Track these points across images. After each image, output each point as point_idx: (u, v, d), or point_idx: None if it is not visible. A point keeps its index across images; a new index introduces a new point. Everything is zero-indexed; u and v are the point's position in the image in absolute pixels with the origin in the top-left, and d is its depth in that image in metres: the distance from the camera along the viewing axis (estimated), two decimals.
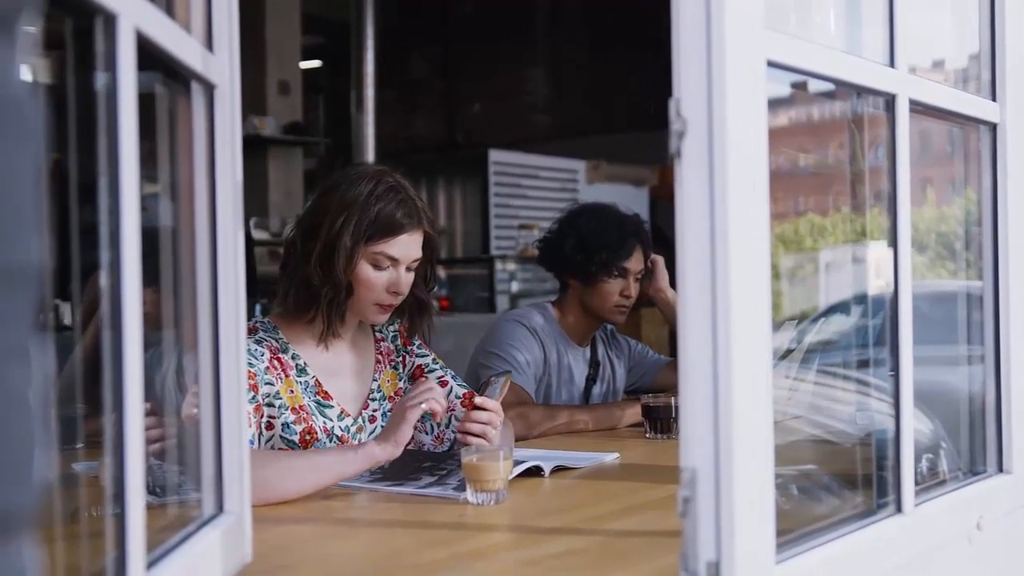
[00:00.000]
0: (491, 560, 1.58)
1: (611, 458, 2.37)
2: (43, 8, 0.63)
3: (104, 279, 1.04)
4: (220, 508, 1.39)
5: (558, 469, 2.20)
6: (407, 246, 2.23)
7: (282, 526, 1.77)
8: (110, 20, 1.01)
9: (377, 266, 2.21)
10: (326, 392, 2.26)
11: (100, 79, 1.03)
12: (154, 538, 1.15)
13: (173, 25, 1.20)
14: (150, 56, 1.12)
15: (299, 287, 2.22)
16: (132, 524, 1.03)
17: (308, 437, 2.19)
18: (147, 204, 1.12)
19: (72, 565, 1.17)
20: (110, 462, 1.04)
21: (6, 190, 0.54)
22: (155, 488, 1.35)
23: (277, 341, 2.24)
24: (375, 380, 2.37)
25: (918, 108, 1.59)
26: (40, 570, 0.59)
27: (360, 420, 2.31)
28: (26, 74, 0.57)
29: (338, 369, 2.31)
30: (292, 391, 2.21)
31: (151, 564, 1.11)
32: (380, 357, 2.40)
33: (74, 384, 1.80)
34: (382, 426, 2.32)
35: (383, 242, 2.20)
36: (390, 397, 2.38)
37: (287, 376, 2.21)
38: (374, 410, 2.35)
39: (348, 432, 2.27)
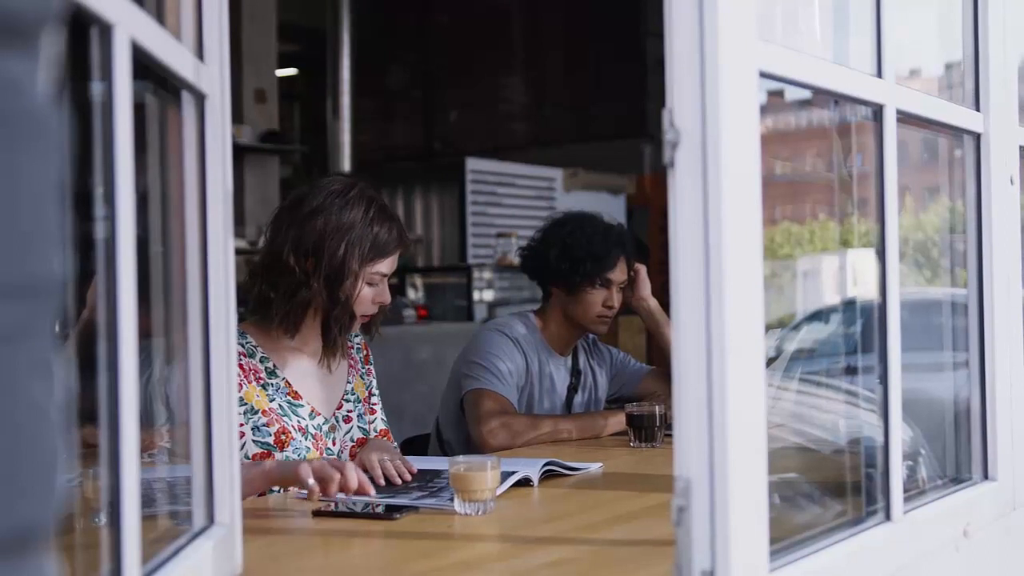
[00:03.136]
0: (482, 571, 1.58)
1: (596, 467, 2.37)
2: (65, 18, 0.63)
3: (98, 289, 1.03)
4: (211, 520, 1.38)
5: (547, 475, 2.20)
6: (395, 262, 2.36)
7: (272, 537, 1.76)
8: (106, 30, 1.00)
9: (370, 284, 2.32)
10: (296, 392, 2.32)
11: (95, 88, 1.02)
12: (145, 550, 1.14)
13: (167, 35, 1.20)
14: (142, 65, 1.12)
15: (300, 308, 2.28)
16: (127, 536, 1.02)
17: (283, 437, 2.25)
18: (136, 213, 1.11)
19: None
20: (105, 474, 1.03)
21: (31, 203, 0.54)
22: (143, 498, 1.34)
23: (243, 346, 2.28)
24: (349, 383, 2.45)
25: (904, 118, 1.60)
26: None
27: (333, 420, 2.38)
28: (48, 86, 0.56)
29: (311, 372, 2.37)
30: (259, 395, 2.26)
31: None
32: (352, 362, 2.49)
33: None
34: (358, 426, 2.42)
35: (381, 262, 2.32)
36: (363, 400, 2.47)
37: (250, 382, 2.26)
38: (348, 411, 2.43)
39: (321, 431, 2.34)
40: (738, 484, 1.17)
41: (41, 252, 0.55)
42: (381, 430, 2.48)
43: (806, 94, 1.58)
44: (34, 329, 0.54)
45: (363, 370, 2.51)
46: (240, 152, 7.34)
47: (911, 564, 1.58)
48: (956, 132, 1.86)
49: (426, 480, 2.16)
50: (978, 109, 1.85)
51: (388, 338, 2.62)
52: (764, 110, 1.52)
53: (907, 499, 1.58)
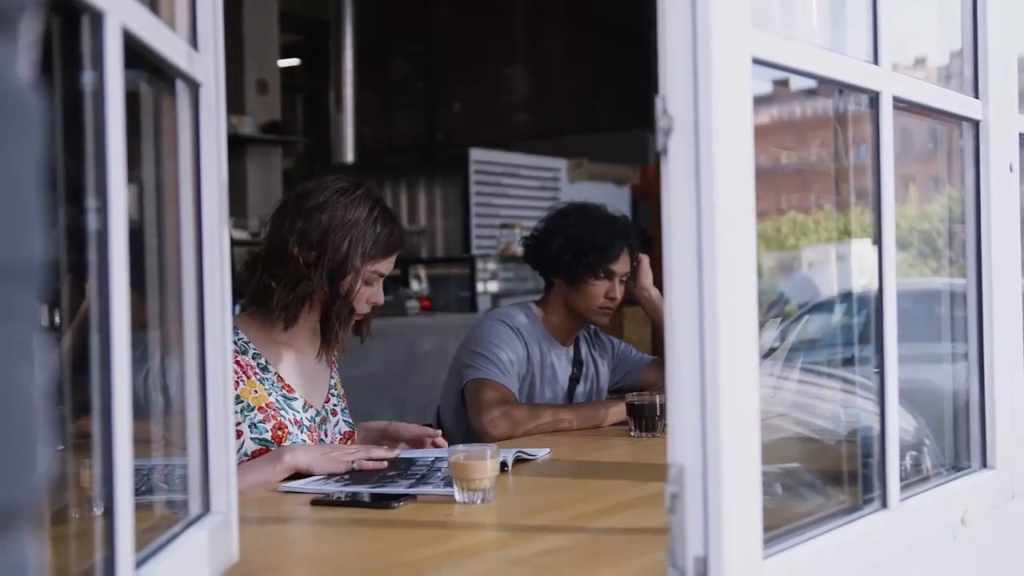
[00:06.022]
0: (479, 558, 1.58)
1: (542, 454, 2.40)
2: (44, 6, 0.63)
3: (90, 280, 1.03)
4: (207, 508, 1.38)
5: (519, 461, 2.26)
6: (392, 263, 2.40)
7: (268, 526, 1.76)
8: (97, 18, 1.00)
9: (367, 282, 2.35)
10: (289, 386, 2.35)
11: (86, 77, 1.02)
12: (140, 538, 1.14)
13: (159, 23, 1.20)
14: (135, 54, 1.12)
15: (299, 300, 2.30)
16: (121, 524, 1.02)
17: (280, 432, 2.28)
18: (130, 204, 1.11)
19: (59, 566, 1.16)
20: (98, 464, 1.03)
21: (12, 187, 0.54)
22: (139, 487, 1.34)
23: (236, 343, 2.29)
24: (332, 378, 2.50)
25: (901, 105, 1.60)
26: (41, 565, 0.59)
27: (324, 412, 2.42)
28: (27, 71, 0.57)
29: (299, 366, 2.40)
30: (256, 391, 2.29)
31: (139, 564, 1.11)
32: (334, 359, 2.52)
33: (56, 385, 1.80)
34: (344, 420, 2.47)
35: (381, 262, 2.35)
36: (342, 397, 2.52)
37: (249, 378, 2.29)
38: (334, 405, 2.47)
39: (314, 423, 2.37)
40: (731, 470, 1.17)
41: (21, 236, 0.55)
42: (345, 432, 2.49)
43: (811, 83, 1.57)
44: (15, 311, 0.55)
45: (339, 368, 2.56)
46: (242, 143, 7.34)
47: (908, 552, 1.59)
48: (955, 120, 1.85)
49: (404, 468, 2.16)
50: (977, 96, 1.84)
51: (391, 330, 2.65)
52: (769, 99, 1.52)
53: (905, 487, 1.58)
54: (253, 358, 2.31)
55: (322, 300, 2.32)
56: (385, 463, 2.17)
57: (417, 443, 2.45)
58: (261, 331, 2.35)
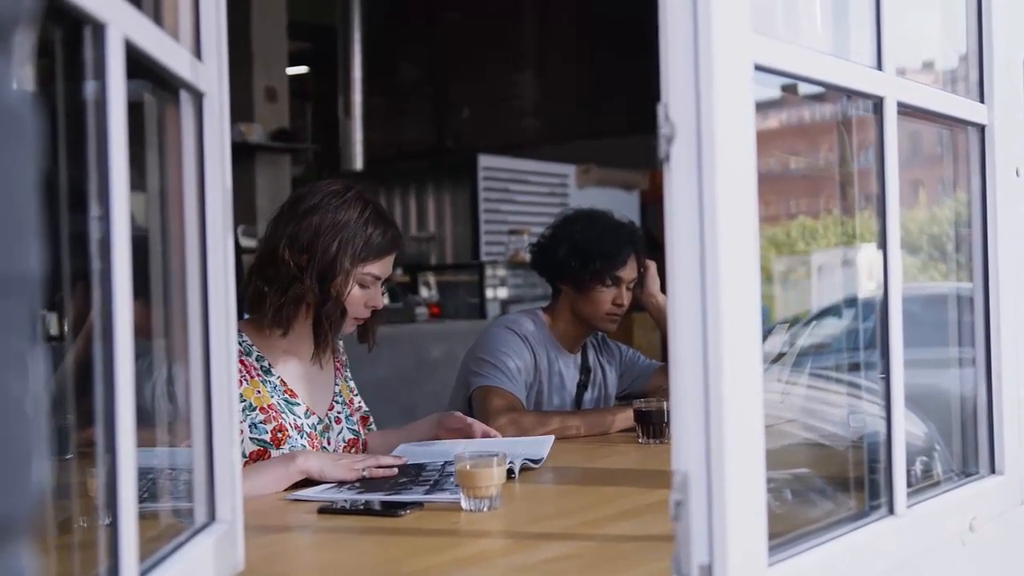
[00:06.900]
0: (486, 566, 1.58)
1: (547, 443, 2.43)
2: (39, 17, 0.63)
3: (94, 289, 1.03)
4: (212, 517, 1.38)
5: (525, 469, 2.25)
6: (389, 265, 2.38)
7: (274, 535, 1.76)
8: (99, 29, 1.01)
9: (362, 285, 2.34)
10: (292, 390, 2.35)
11: (89, 87, 1.03)
12: (146, 547, 1.14)
13: (162, 34, 1.20)
14: (138, 64, 1.12)
15: (292, 303, 2.30)
16: (125, 534, 1.03)
17: (280, 435, 2.28)
18: (135, 213, 1.12)
19: (64, 575, 1.16)
20: (102, 473, 1.03)
21: (7, 200, 0.54)
22: (144, 495, 1.35)
23: (240, 344, 2.30)
24: (336, 385, 2.49)
25: (906, 110, 1.59)
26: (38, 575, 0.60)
27: (327, 420, 2.42)
28: (23, 83, 0.57)
29: (303, 373, 2.40)
30: (259, 392, 2.29)
31: (144, 573, 1.11)
32: (338, 366, 2.53)
33: (64, 394, 1.81)
34: (348, 428, 2.47)
35: (373, 263, 2.34)
36: (348, 403, 2.51)
37: (252, 378, 2.30)
38: (338, 412, 2.47)
39: (315, 430, 2.37)
40: (735, 478, 1.17)
41: (17, 249, 0.55)
42: (350, 440, 2.49)
43: (820, 88, 1.57)
44: (9, 324, 0.55)
45: (346, 374, 2.56)
46: (251, 151, 7.33)
47: (915, 558, 1.58)
48: (960, 124, 1.85)
49: (415, 475, 2.16)
50: (983, 100, 1.84)
51: (400, 336, 2.65)
52: (778, 105, 1.52)
53: (913, 493, 1.58)
54: (256, 360, 2.32)
55: (314, 302, 2.31)
56: (395, 470, 2.17)
57: (465, 434, 2.48)
58: (262, 337, 2.35)
